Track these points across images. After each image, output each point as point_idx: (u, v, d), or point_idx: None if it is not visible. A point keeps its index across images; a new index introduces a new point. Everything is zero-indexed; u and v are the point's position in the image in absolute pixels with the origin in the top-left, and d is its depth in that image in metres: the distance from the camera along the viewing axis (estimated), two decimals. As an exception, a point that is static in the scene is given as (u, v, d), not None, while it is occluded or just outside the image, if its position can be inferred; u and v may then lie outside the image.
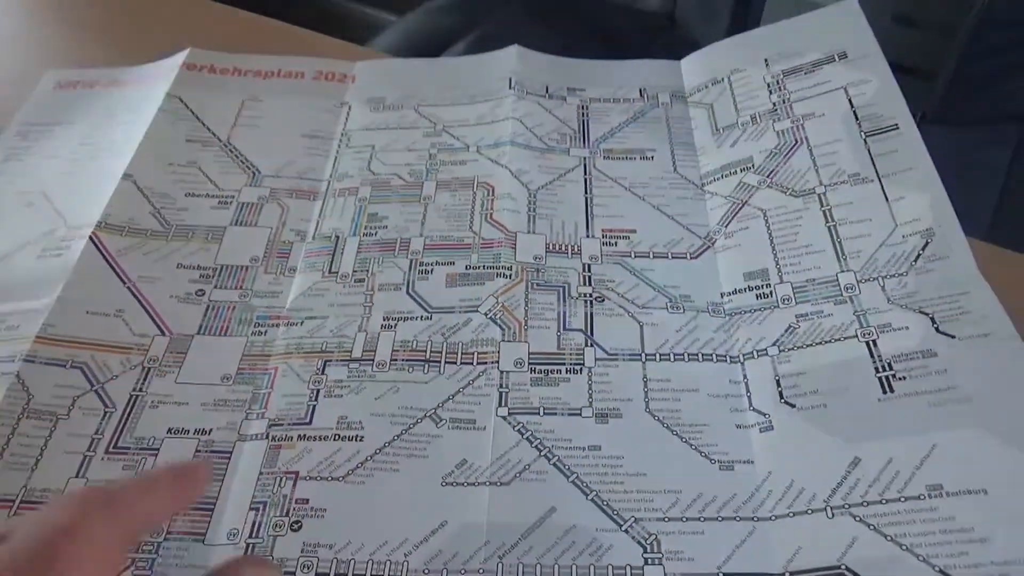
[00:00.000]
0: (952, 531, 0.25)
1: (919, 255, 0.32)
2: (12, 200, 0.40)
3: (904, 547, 0.25)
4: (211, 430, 0.31)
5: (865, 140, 0.37)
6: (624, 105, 0.44)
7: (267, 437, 0.31)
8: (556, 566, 0.27)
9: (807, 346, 0.32)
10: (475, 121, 0.43)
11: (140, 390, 0.32)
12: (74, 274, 0.35)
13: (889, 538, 0.26)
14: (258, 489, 0.30)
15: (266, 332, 0.35)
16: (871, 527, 0.26)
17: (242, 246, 0.37)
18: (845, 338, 0.31)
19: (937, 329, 0.30)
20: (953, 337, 0.29)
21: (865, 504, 0.27)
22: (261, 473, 0.30)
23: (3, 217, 0.39)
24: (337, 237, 0.38)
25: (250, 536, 0.28)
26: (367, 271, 0.36)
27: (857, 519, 0.26)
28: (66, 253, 0.36)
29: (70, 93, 0.46)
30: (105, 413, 0.31)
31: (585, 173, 0.40)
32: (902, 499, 0.26)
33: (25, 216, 0.39)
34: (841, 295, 0.33)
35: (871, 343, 0.31)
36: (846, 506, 0.27)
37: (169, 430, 0.31)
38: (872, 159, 0.36)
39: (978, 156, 0.74)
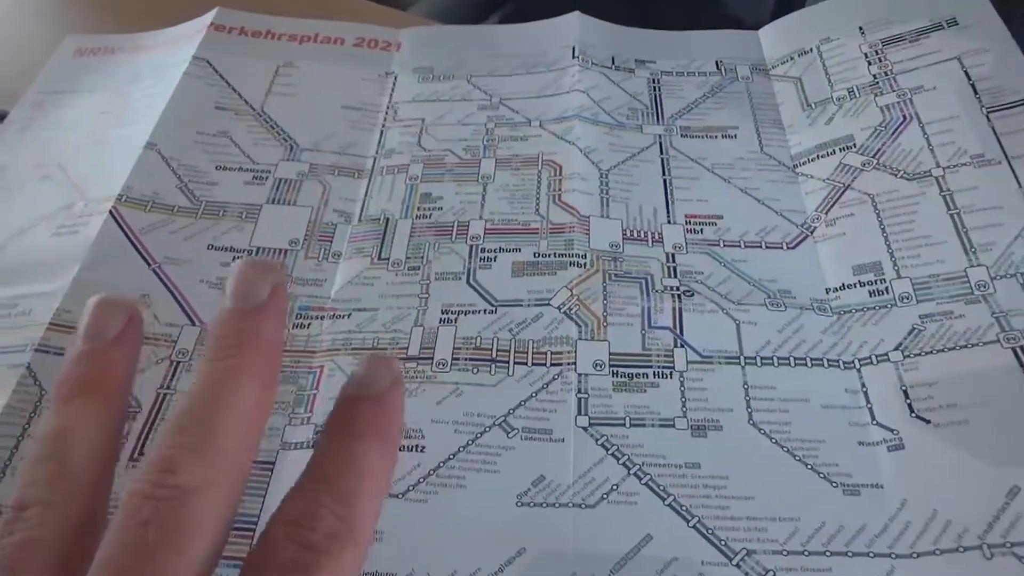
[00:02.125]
0: None
1: (1065, 248, 0.28)
2: (27, 173, 0.36)
3: (1089, 597, 0.21)
4: (248, 436, 0.27)
5: (988, 117, 0.32)
6: (699, 79, 0.39)
7: (313, 446, 0.27)
8: (657, 606, 0.23)
9: (938, 351, 0.27)
10: (536, 93, 0.38)
11: (168, 387, 0.28)
12: (92, 253, 0.31)
13: (1069, 585, 0.22)
14: (304, 506, 0.25)
15: (309, 325, 0.30)
16: (1043, 571, 0.22)
17: (280, 227, 0.33)
18: (984, 343, 0.27)
19: (1100, 335, 0.26)
20: (1122, 344, 0.25)
21: (1032, 543, 0.22)
22: (307, 488, 0.26)
23: (17, 191, 0.35)
24: (387, 219, 0.34)
25: (297, 563, 0.24)
26: (422, 258, 0.32)
27: (1023, 560, 0.22)
28: (83, 230, 0.32)
29: (90, 60, 0.42)
30: (129, 414, 0.27)
31: (661, 152, 0.36)
32: (1079, 538, 0.22)
33: (40, 190, 0.35)
34: (973, 293, 0.28)
35: (1018, 349, 0.26)
36: (1007, 545, 0.23)
37: (201, 435, 0.27)
38: (998, 138, 0.32)
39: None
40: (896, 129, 0.34)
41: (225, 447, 0.18)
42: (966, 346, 0.27)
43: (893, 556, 0.24)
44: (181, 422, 0.18)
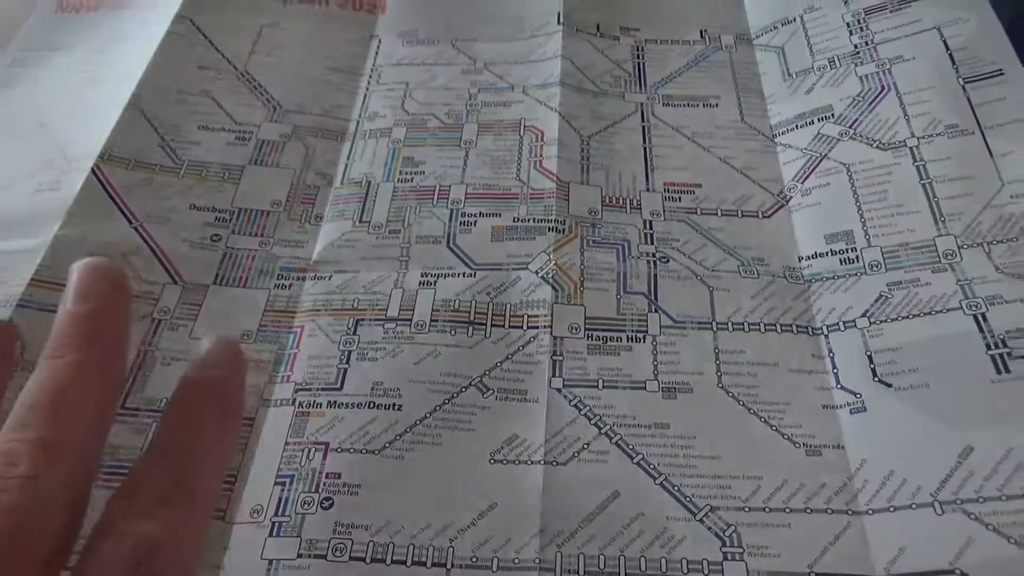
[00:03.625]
0: (1091, 535, 0.22)
1: (1032, 219, 0.29)
2: (7, 131, 0.36)
3: (1032, 551, 0.22)
4: (229, 393, 0.28)
5: (964, 87, 0.33)
6: (683, 47, 0.40)
7: (293, 403, 0.28)
8: (622, 558, 0.24)
9: (903, 318, 0.28)
10: (520, 58, 0.38)
11: (150, 345, 0.29)
12: (74, 210, 0.31)
13: (1013, 540, 0.22)
14: (284, 461, 0.26)
15: (290, 286, 0.31)
16: (989, 527, 0.23)
17: (262, 188, 0.33)
18: (948, 310, 0.28)
19: (1059, 303, 0.26)
20: (1079, 313, 0.26)
21: (981, 500, 0.23)
22: (287, 443, 0.27)
23: (-4, 149, 0.35)
24: (369, 182, 0.34)
25: (276, 514, 0.25)
26: (403, 221, 0.32)
27: (972, 517, 0.23)
28: (65, 187, 0.32)
29: (72, 16, 0.41)
30: (125, 374, 0.28)
31: (643, 120, 0.36)
32: (1026, 496, 0.23)
33: (19, 148, 0.35)
34: (940, 262, 0.29)
35: (980, 316, 0.27)
36: (958, 501, 0.24)
37: (183, 391, 0.28)
38: (972, 108, 0.32)
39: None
40: (874, 99, 0.34)
41: (65, 438, 0.18)
42: (930, 313, 0.28)
43: (850, 512, 0.25)
44: (23, 417, 0.18)
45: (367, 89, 0.38)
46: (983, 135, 0.31)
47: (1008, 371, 0.25)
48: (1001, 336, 0.26)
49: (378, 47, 0.40)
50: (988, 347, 0.26)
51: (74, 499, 0.18)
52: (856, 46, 0.36)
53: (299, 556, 0.24)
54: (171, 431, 0.20)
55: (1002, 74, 0.32)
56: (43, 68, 0.39)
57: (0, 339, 0.21)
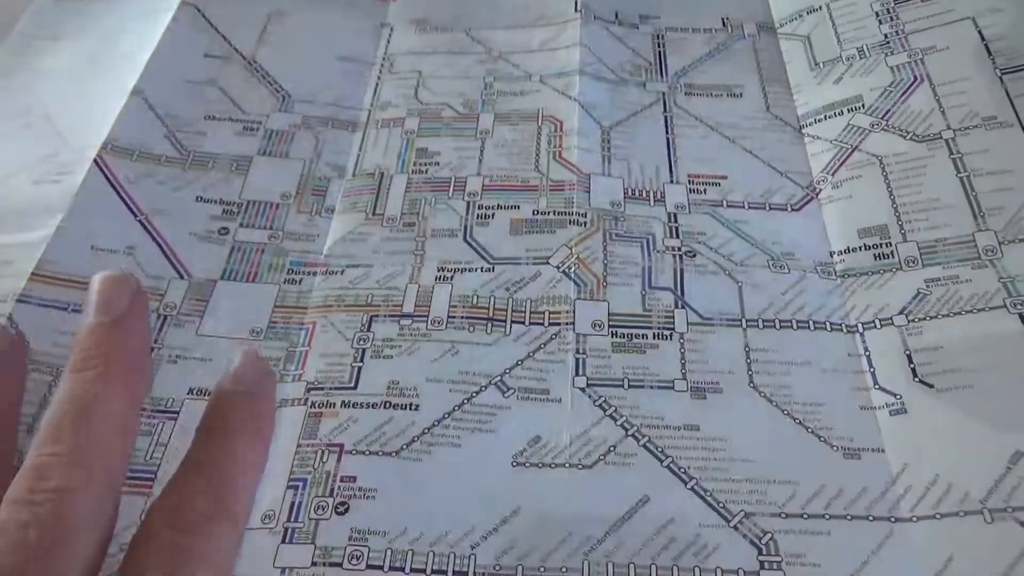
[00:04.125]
0: None
1: (1076, 213, 0.27)
2: (9, 122, 0.34)
3: (1090, 563, 0.21)
4: (239, 392, 0.27)
5: (1001, 78, 0.32)
6: (705, 36, 0.38)
7: (305, 403, 0.26)
8: (653, 566, 0.23)
9: (943, 316, 0.27)
10: (537, 47, 0.37)
11: (156, 342, 0.27)
12: (77, 203, 0.29)
13: (1070, 551, 0.21)
14: (296, 464, 0.25)
15: (301, 281, 0.30)
16: (1044, 536, 0.22)
17: (271, 180, 0.32)
18: (990, 308, 0.26)
19: (1110, 300, 0.25)
20: None
21: (1034, 508, 0.22)
22: (299, 445, 0.25)
23: (-2, 140, 0.34)
24: (382, 174, 0.33)
25: (288, 520, 0.24)
26: (417, 214, 0.31)
27: (1024, 525, 0.22)
28: (67, 179, 0.30)
29: (75, 4, 0.40)
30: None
31: (665, 110, 0.35)
32: (1082, 504, 0.22)
33: (22, 139, 0.33)
34: (980, 258, 0.28)
35: (1025, 315, 0.26)
36: (1009, 509, 0.22)
37: (190, 390, 0.26)
38: (1011, 100, 0.31)
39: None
40: (906, 90, 0.33)
41: (95, 450, 0.19)
42: (971, 311, 0.27)
43: (892, 520, 0.23)
44: (52, 433, 0.19)
45: (379, 78, 0.37)
46: (1022, 127, 0.30)
47: (1057, 371, 0.24)
48: (1048, 335, 0.25)
49: (390, 35, 0.38)
50: (1035, 346, 0.25)
51: (105, 511, 0.19)
52: (886, 35, 0.35)
53: (313, 564, 0.23)
54: (207, 445, 0.20)
55: (1041, 63, 0.31)
56: (45, 57, 0.38)
57: (11, 350, 0.22)
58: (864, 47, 0.35)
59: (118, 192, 0.31)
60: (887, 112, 0.33)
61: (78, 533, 0.17)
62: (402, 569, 0.23)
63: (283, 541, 0.23)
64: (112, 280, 0.21)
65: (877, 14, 0.36)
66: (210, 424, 0.21)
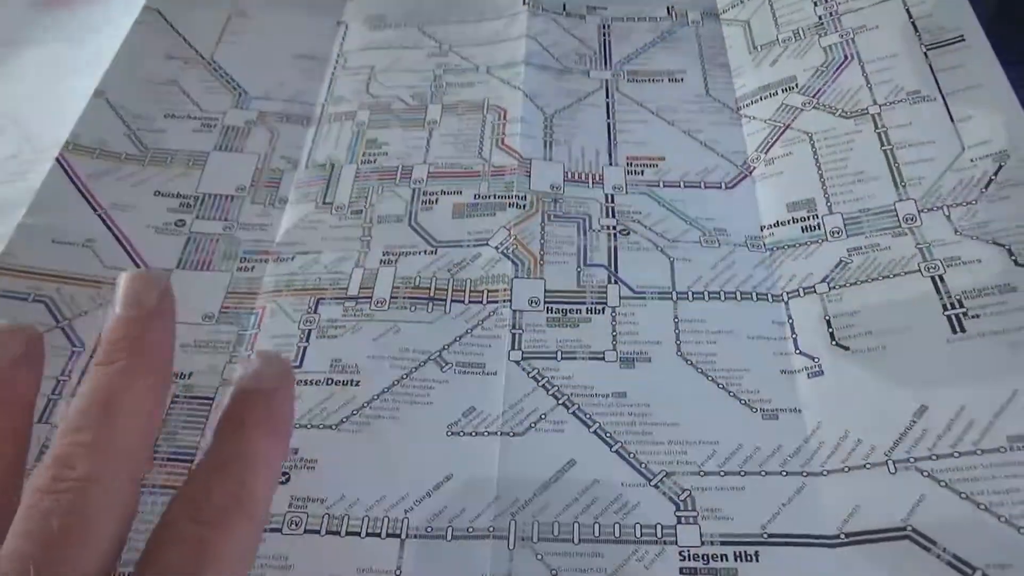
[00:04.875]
0: (1040, 488, 0.22)
1: (991, 181, 0.28)
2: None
3: (982, 506, 0.22)
4: (191, 374, 0.28)
5: (926, 54, 0.33)
6: (650, 24, 0.39)
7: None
8: (576, 524, 0.24)
9: (861, 282, 0.28)
10: (485, 40, 0.39)
11: (112, 328, 0.29)
12: (38, 199, 0.31)
13: (964, 496, 0.22)
14: (242, 437, 0.26)
15: (253, 268, 0.31)
16: (942, 483, 0.23)
17: (227, 173, 0.34)
18: (906, 272, 0.27)
19: (1016, 262, 0.26)
20: (1035, 270, 0.26)
21: (934, 458, 0.23)
22: (245, 420, 0.27)
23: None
24: (332, 165, 0.34)
25: (232, 489, 0.25)
26: (365, 201, 0.33)
27: (925, 474, 0.23)
28: (29, 176, 0.32)
29: (44, 9, 0.42)
30: (72, 352, 0.28)
31: (607, 97, 0.36)
32: (978, 452, 0.23)
33: (-11, 141, 0.35)
34: (900, 226, 0.29)
35: (937, 278, 0.27)
36: (911, 460, 0.23)
37: (143, 372, 0.28)
38: (934, 75, 0.32)
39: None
40: (837, 69, 0.34)
41: (119, 441, 0.19)
42: (889, 276, 0.28)
43: (804, 474, 0.24)
44: (76, 422, 0.19)
45: (333, 74, 0.38)
46: (944, 101, 0.31)
47: (963, 330, 0.25)
48: (958, 297, 0.26)
49: (345, 33, 0.40)
50: (944, 308, 0.26)
51: (127, 501, 0.19)
52: (820, 17, 0.36)
53: (255, 530, 0.24)
54: (228, 442, 0.20)
55: (963, 40, 0.32)
56: (14, 63, 0.39)
57: (30, 348, 0.22)
58: (799, 29, 0.36)
59: (79, 188, 0.32)
60: (818, 91, 0.34)
61: (99, 522, 0.18)
62: (338, 533, 0.24)
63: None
64: (141, 277, 0.21)
65: (813, -3, 0.37)
66: (229, 422, 0.20)
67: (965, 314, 0.26)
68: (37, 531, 0.17)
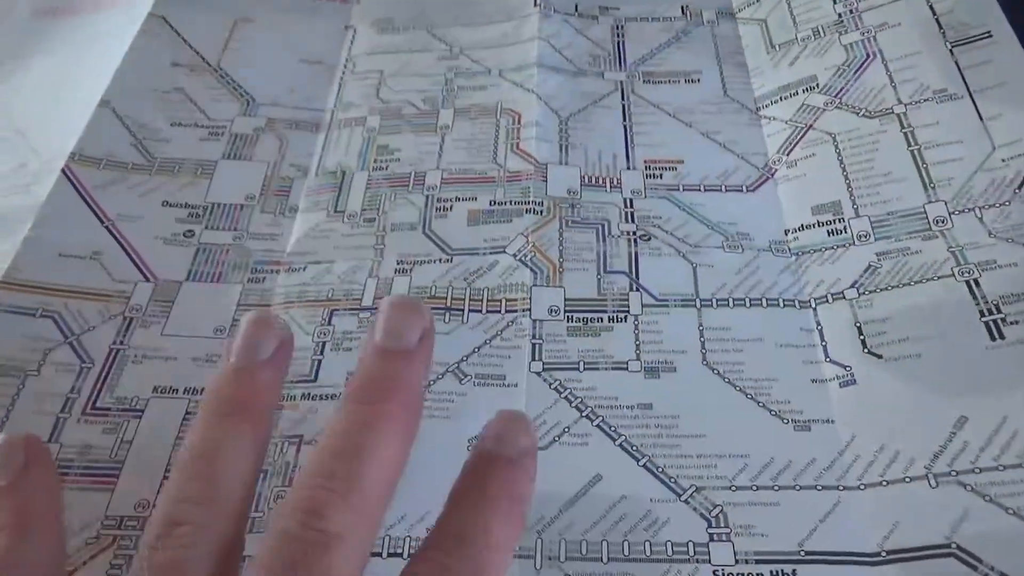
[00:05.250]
0: (1091, 502, 0.21)
1: (1024, 181, 0.28)
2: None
3: (1030, 522, 0.21)
4: (203, 389, 0.27)
5: (951, 51, 0.32)
6: (664, 24, 0.39)
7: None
8: (604, 542, 0.23)
9: (892, 287, 0.27)
10: (496, 43, 0.38)
11: (121, 343, 0.28)
12: (44, 212, 0.30)
13: (1011, 511, 0.21)
14: (256, 455, 0.25)
15: (264, 279, 0.30)
16: (986, 498, 0.22)
17: (236, 182, 0.33)
18: (939, 277, 0.27)
19: (1054, 265, 0.25)
20: (1075, 273, 0.25)
21: (977, 471, 0.22)
22: (260, 437, 0.26)
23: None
24: (343, 172, 0.33)
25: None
26: (378, 209, 0.32)
27: (968, 488, 0.22)
28: (35, 188, 0.31)
29: (48, 21, 0.41)
30: (81, 369, 0.27)
31: (623, 99, 0.35)
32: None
33: (-6, 152, 0.34)
34: (930, 229, 0.28)
35: (972, 283, 0.26)
36: (953, 473, 0.23)
37: (155, 388, 0.27)
38: (961, 72, 0.31)
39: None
40: (860, 67, 0.33)
41: (368, 496, 0.18)
42: (921, 281, 0.27)
43: (841, 488, 0.24)
44: (329, 465, 0.18)
45: (342, 79, 0.37)
46: (972, 99, 0.30)
47: (1002, 337, 0.24)
48: (995, 302, 0.25)
49: (353, 37, 0.39)
50: (981, 313, 0.25)
51: (365, 561, 0.18)
52: (840, 15, 0.35)
53: (272, 551, 0.23)
54: (463, 516, 0.19)
55: (990, 36, 0.31)
56: (19, 74, 0.39)
57: (283, 342, 0.21)
58: (819, 27, 0.35)
59: (85, 200, 0.31)
60: (841, 90, 0.33)
61: None
62: (358, 553, 0.23)
63: (246, 531, 0.24)
64: (405, 307, 0.20)
65: (832, -6, 0.36)
66: (466, 488, 0.20)
67: (1004, 320, 0.25)
68: None
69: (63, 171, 0.32)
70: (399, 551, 0.23)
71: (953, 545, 0.21)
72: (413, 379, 0.20)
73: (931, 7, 0.33)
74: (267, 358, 0.20)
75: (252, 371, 0.20)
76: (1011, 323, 0.25)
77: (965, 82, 0.31)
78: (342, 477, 0.18)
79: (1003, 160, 0.28)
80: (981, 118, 0.30)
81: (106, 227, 0.31)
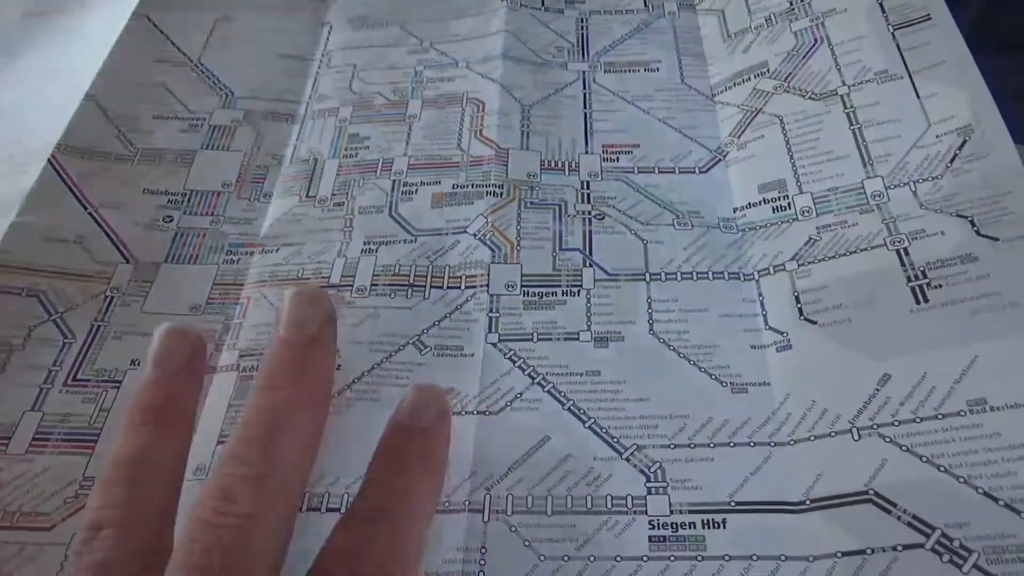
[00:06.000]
0: (997, 449, 0.22)
1: (955, 155, 0.29)
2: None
3: (942, 468, 0.22)
4: (178, 362, 0.29)
5: (893, 34, 0.33)
6: (627, 16, 0.40)
7: (237, 368, 0.28)
8: (549, 497, 0.25)
9: (829, 258, 0.28)
10: (465, 36, 0.39)
11: (102, 320, 0.30)
12: (31, 199, 0.32)
13: (924, 459, 0.23)
14: (227, 422, 0.27)
15: (239, 260, 0.32)
16: (903, 448, 0.23)
17: (213, 171, 0.35)
18: (873, 247, 0.28)
19: (977, 232, 0.26)
20: (996, 240, 0.26)
21: (896, 423, 0.24)
22: (230, 406, 0.27)
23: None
24: (315, 160, 0.35)
25: (216, 470, 0.26)
26: (347, 194, 0.33)
27: (887, 440, 0.24)
28: (22, 177, 0.33)
29: (37, 20, 0.43)
30: (64, 344, 0.29)
31: (584, 88, 0.37)
32: (939, 416, 0.23)
33: (-16, 147, 0.36)
34: (868, 203, 0.29)
35: (902, 251, 0.27)
36: (874, 426, 0.24)
37: (132, 361, 0.29)
38: (901, 54, 0.32)
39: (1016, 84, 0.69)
40: (807, 52, 0.34)
41: (280, 477, 0.19)
42: (855, 251, 0.28)
43: (772, 444, 0.25)
44: (239, 451, 0.19)
45: (317, 73, 0.39)
46: (911, 79, 0.32)
47: (927, 300, 0.26)
48: (922, 268, 0.27)
49: (329, 33, 0.41)
50: (908, 279, 0.27)
51: (284, 540, 0.19)
52: (791, 3, 0.37)
53: (238, 508, 0.25)
54: (383, 485, 0.20)
55: (930, 19, 0.33)
56: (9, 70, 0.40)
57: (194, 357, 0.22)
58: (771, 15, 0.37)
59: (70, 188, 0.33)
60: (789, 75, 0.34)
61: (256, 562, 0.17)
62: (318, 509, 0.25)
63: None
64: (306, 297, 0.21)
65: (785, -16, 0.38)
66: (383, 459, 0.20)
67: (928, 284, 0.26)
68: (199, 567, 0.17)
69: (49, 161, 0.33)
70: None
71: (871, 492, 0.23)
72: (316, 364, 0.21)
73: (876, -7, 0.35)
74: (181, 366, 0.21)
75: (167, 380, 0.21)
76: (935, 287, 0.26)
77: (905, 63, 0.32)
78: (251, 462, 0.18)
79: (937, 136, 0.30)
80: (918, 97, 0.31)
81: (90, 213, 0.32)
